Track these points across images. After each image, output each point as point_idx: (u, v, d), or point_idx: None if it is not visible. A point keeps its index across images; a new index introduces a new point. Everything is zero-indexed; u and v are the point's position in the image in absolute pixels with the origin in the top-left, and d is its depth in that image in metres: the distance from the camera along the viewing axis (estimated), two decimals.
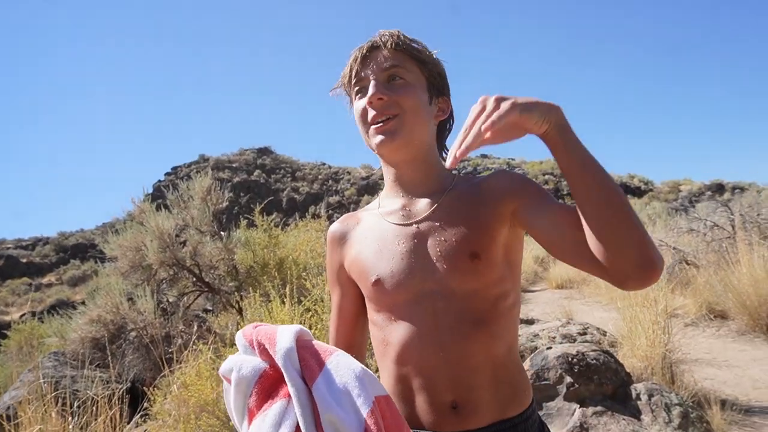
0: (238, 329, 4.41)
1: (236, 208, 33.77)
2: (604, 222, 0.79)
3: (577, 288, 8.60)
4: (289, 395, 0.73)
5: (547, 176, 32.54)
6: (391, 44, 1.02)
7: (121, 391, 3.64)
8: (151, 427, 3.24)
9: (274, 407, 0.73)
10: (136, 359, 4.47)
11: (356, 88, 1.05)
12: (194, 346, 3.72)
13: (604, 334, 4.74)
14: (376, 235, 1.07)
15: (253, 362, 0.78)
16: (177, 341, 4.11)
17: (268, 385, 0.76)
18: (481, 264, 0.96)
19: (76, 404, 2.98)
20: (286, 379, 0.74)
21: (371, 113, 1.01)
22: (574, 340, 4.56)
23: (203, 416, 2.97)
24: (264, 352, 0.78)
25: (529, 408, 0.99)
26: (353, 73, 1.04)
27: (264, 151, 48.92)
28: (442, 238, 0.99)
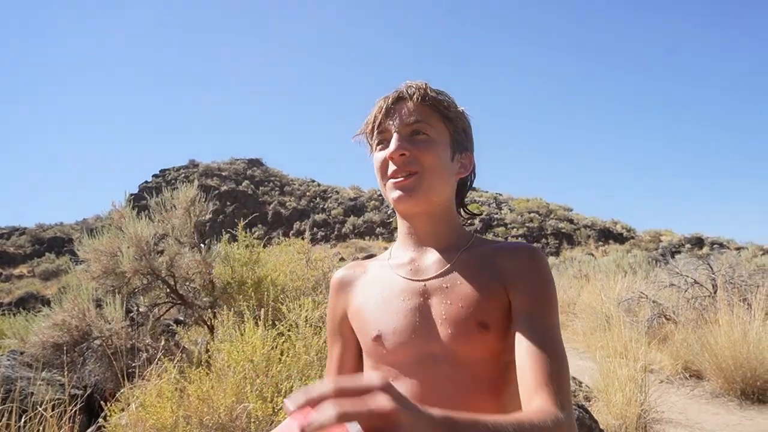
0: (207, 347, 4.27)
1: (221, 217, 33.53)
2: None
3: None
4: None
5: (532, 214, 32.83)
6: (417, 97, 1.00)
7: (79, 400, 3.47)
8: None
9: None
10: (97, 369, 4.29)
11: (378, 138, 1.02)
12: (159, 363, 3.56)
13: (580, 384, 4.67)
14: (381, 287, 1.02)
15: None
16: (142, 355, 3.95)
17: None
18: (490, 335, 0.91)
19: (28, 413, 2.81)
20: None
21: (391, 167, 0.99)
22: None
23: None
24: None
25: None
26: (376, 123, 1.01)
27: (255, 163, 48.74)
28: (449, 302, 0.94)
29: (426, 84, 1.02)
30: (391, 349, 0.94)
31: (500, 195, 39.64)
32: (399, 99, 1.01)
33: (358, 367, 1.07)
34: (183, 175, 42.07)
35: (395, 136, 0.98)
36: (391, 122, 1.00)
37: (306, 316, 3.87)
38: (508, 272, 0.95)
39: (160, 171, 46.08)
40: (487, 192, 39.53)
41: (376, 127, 1.01)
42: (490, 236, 32.44)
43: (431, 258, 1.02)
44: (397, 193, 0.98)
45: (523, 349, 0.85)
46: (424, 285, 0.98)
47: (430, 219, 1.02)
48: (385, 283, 1.02)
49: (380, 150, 1.02)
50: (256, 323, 3.63)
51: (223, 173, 44.67)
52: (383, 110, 1.00)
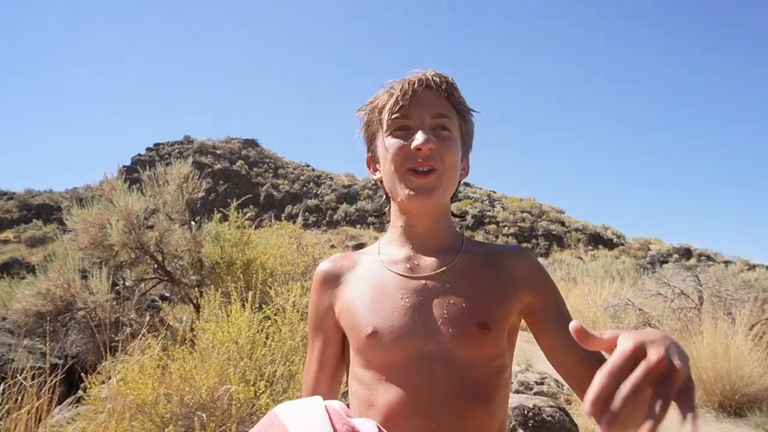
0: (192, 325, 4.25)
1: (213, 195, 33.35)
2: None
3: None
4: None
5: (524, 214, 32.92)
6: (445, 91, 0.97)
7: (59, 370, 3.44)
8: (81, 418, 3.05)
9: None
10: (79, 340, 4.26)
11: (398, 123, 0.97)
12: (143, 338, 3.54)
13: (561, 386, 4.70)
14: (375, 283, 0.98)
15: None
16: (126, 329, 3.92)
17: None
18: (490, 336, 0.90)
19: (7, 380, 2.78)
20: None
21: (410, 158, 0.94)
22: (531, 389, 4.50)
23: (138, 417, 2.80)
24: None
25: None
26: (396, 107, 0.96)
27: (250, 143, 48.42)
28: (451, 301, 0.92)
29: (452, 78, 0.99)
30: (387, 348, 0.91)
31: (494, 192, 39.73)
32: (425, 86, 0.97)
33: (338, 362, 1.04)
34: (177, 150, 41.74)
35: (422, 126, 0.94)
36: (417, 110, 0.96)
37: (294, 302, 3.85)
38: (520, 273, 0.98)
39: (154, 145, 45.67)
40: (481, 189, 39.64)
41: (395, 109, 0.96)
42: (481, 233, 32.07)
43: (430, 256, 0.99)
44: (417, 188, 0.94)
45: (573, 343, 0.90)
46: (424, 283, 0.95)
47: (431, 217, 1.00)
48: (379, 279, 0.98)
49: (397, 136, 0.97)
50: (243, 305, 3.61)
51: (218, 151, 44.38)
52: (407, 95, 0.96)
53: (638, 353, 0.58)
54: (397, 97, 0.96)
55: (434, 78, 0.97)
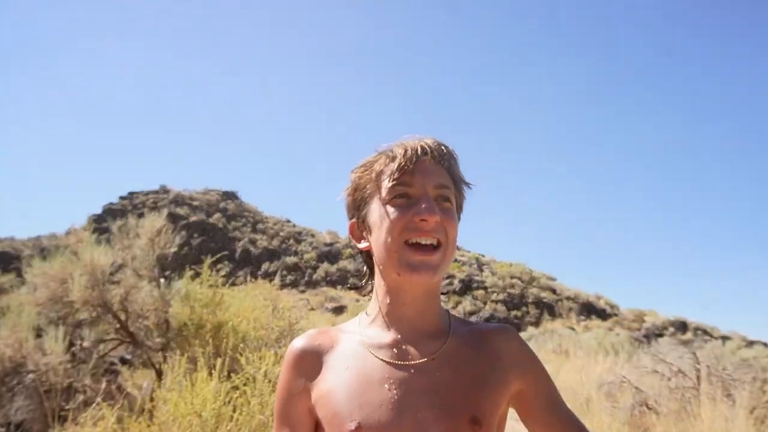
0: (153, 394, 4.07)
1: (186, 249, 32.88)
2: None
3: None
4: None
5: (514, 280, 32.95)
6: (447, 162, 0.97)
7: None
8: None
9: None
10: (26, 406, 4.05)
11: (398, 190, 0.93)
12: (97, 407, 3.38)
13: None
14: (358, 370, 0.93)
15: None
16: (79, 397, 3.74)
17: None
18: (481, 431, 0.87)
19: None
20: None
21: (413, 229, 0.91)
22: None
23: None
24: None
25: None
26: (399, 173, 0.93)
27: (229, 195, 48.52)
28: (442, 394, 0.89)
29: (452, 149, 0.99)
30: None
31: (483, 256, 39.87)
32: (423, 153, 0.95)
33: None
34: (152, 200, 41.59)
35: (426, 196, 0.92)
36: (420, 179, 0.93)
37: (266, 371, 3.74)
38: (509, 358, 0.97)
39: (128, 194, 45.50)
40: (469, 252, 39.75)
41: (399, 176, 0.93)
42: (468, 299, 31.68)
43: (418, 340, 0.95)
44: (419, 265, 0.90)
45: (562, 426, 0.95)
46: (412, 372, 0.91)
47: (424, 296, 0.96)
48: (363, 365, 0.93)
49: (397, 204, 0.93)
50: (210, 373, 3.49)
51: (195, 203, 44.31)
52: (412, 161, 0.94)
53: None
54: (400, 163, 0.94)
55: (436, 147, 0.97)
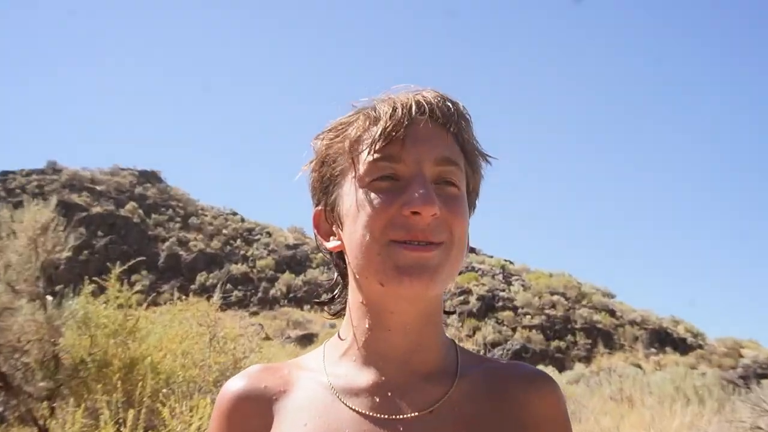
0: None
1: (86, 253, 32.92)
2: None
3: None
4: None
5: (556, 297, 33.30)
6: (454, 126, 0.93)
7: None
8: None
9: None
10: None
11: (381, 167, 0.91)
12: None
13: None
14: (321, 425, 0.91)
15: None
16: None
17: None
18: None
19: None
20: None
21: (401, 226, 0.88)
22: None
23: None
24: None
25: None
26: (383, 141, 0.90)
27: (148, 176, 48.56)
28: None
29: (464, 106, 0.96)
30: None
31: (511, 263, 40.27)
32: (419, 112, 0.92)
33: None
34: (36, 183, 41.51)
35: (420, 177, 0.89)
36: (413, 150, 0.90)
37: (199, 427, 3.76)
38: (539, 422, 0.95)
39: (1, 173, 45.31)
40: (491, 257, 40.10)
41: (383, 146, 0.90)
42: (490, 324, 32.36)
43: (410, 384, 0.94)
44: (410, 266, 0.87)
45: None
46: (401, 430, 0.90)
47: (419, 317, 0.95)
48: (328, 419, 0.92)
49: (378, 187, 0.91)
50: (119, 431, 3.51)
51: (98, 187, 44.30)
52: (402, 124, 0.90)
53: None
54: (385, 126, 0.90)
55: (440, 104, 0.93)
